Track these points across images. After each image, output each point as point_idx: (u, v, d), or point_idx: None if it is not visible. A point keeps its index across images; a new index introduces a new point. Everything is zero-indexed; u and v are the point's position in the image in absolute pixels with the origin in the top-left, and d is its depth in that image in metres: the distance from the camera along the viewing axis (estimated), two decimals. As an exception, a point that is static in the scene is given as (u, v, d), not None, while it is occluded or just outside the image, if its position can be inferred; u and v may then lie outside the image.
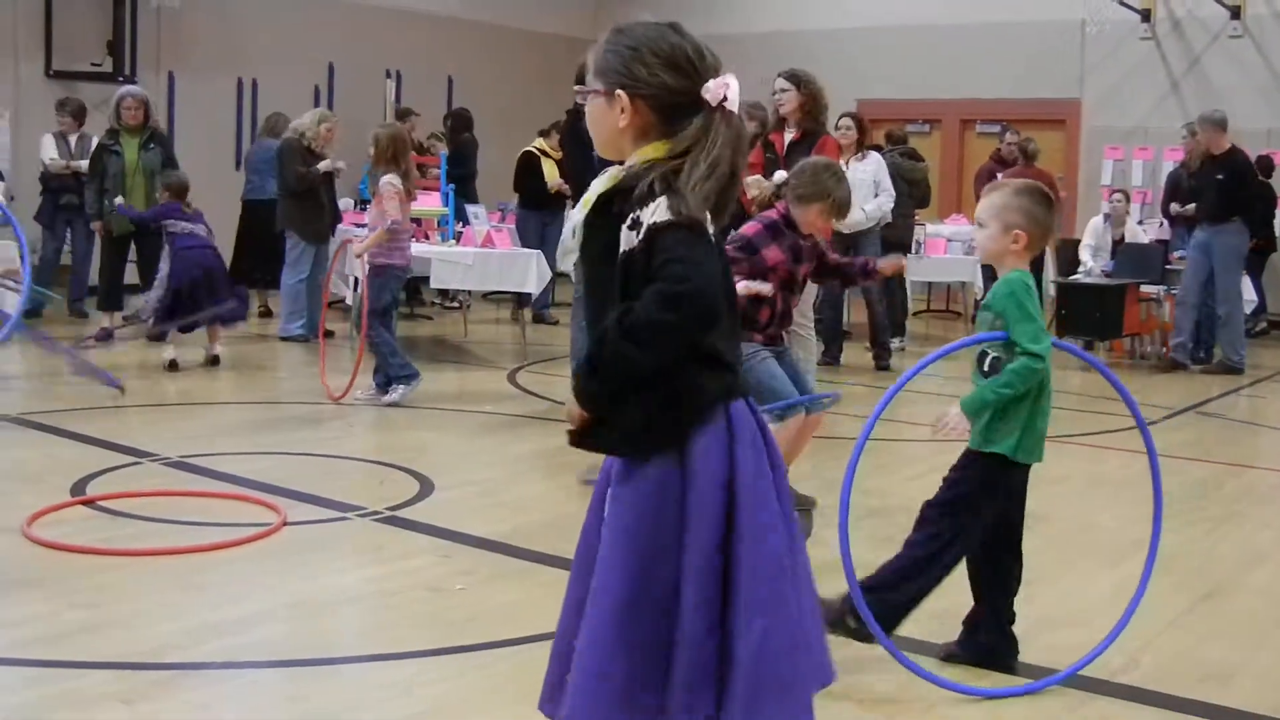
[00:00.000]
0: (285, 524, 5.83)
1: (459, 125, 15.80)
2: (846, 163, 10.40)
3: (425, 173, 14.44)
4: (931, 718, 4.11)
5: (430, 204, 12.83)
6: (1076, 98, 17.13)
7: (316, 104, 16.22)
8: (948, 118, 17.98)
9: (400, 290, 9.10)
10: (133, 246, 11.50)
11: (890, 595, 4.34)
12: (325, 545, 5.69)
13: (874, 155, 11.36)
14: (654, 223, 2.60)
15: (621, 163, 2.78)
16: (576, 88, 2.89)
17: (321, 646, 4.48)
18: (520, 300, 13.04)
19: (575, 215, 2.79)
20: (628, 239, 2.63)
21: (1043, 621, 4.90)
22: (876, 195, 11.09)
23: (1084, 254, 13.42)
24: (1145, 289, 12.57)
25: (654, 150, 2.72)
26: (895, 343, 12.28)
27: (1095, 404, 9.89)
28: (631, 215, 2.63)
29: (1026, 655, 4.49)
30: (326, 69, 16.98)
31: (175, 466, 6.96)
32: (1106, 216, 13.61)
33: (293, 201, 11.72)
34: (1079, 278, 12.96)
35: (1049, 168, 14.53)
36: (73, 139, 12.75)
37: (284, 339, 11.94)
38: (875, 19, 17.93)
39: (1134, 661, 4.53)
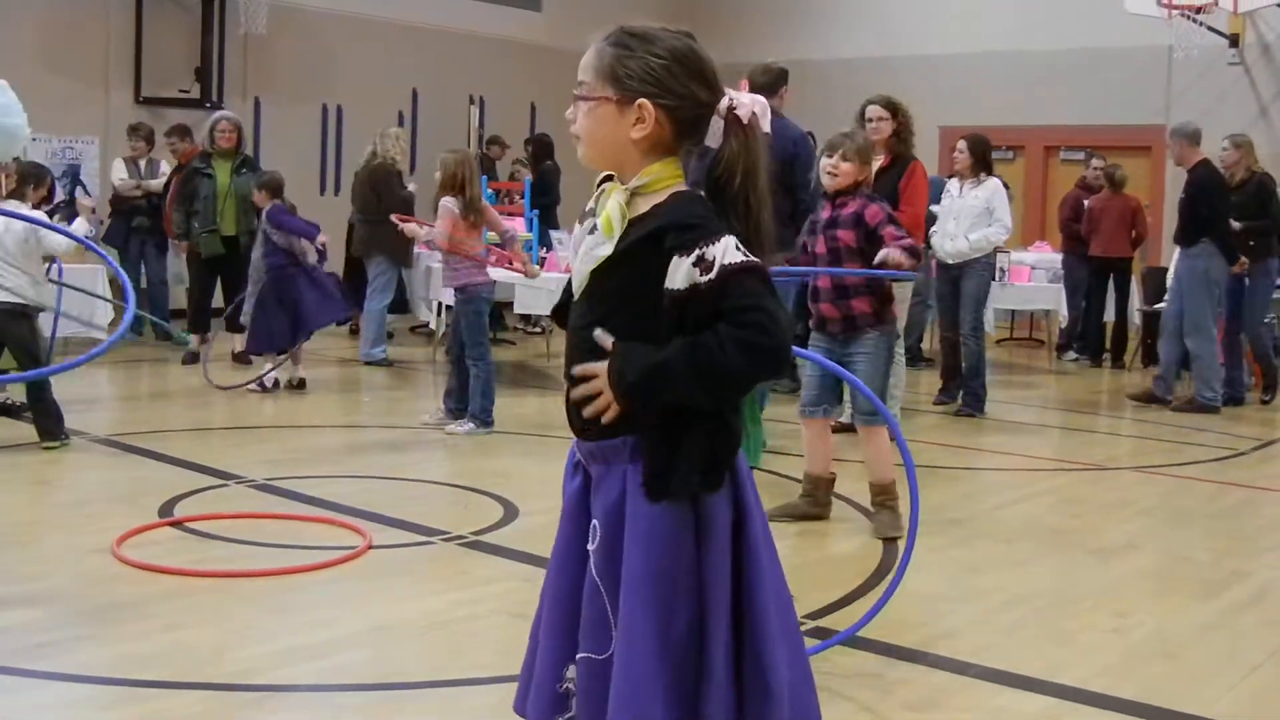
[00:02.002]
0: (370, 547, 5.85)
1: (541, 152, 15.85)
2: (960, 189, 10.31)
3: (511, 199, 14.53)
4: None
5: (515, 228, 12.86)
6: (1163, 124, 16.93)
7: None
8: (1031, 144, 17.84)
9: (488, 312, 9.09)
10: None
11: None
12: (410, 569, 5.71)
13: (992, 182, 10.36)
14: (728, 264, 2.51)
15: (610, 176, 2.73)
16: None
17: (406, 671, 4.48)
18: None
19: (597, 237, 2.68)
20: (690, 275, 2.52)
21: (1134, 654, 4.83)
22: (990, 225, 10.12)
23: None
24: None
25: (666, 169, 2.66)
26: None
27: (1182, 434, 9.77)
28: (697, 251, 2.53)
29: (1118, 689, 4.43)
30: (411, 95, 17.12)
31: (261, 489, 7.01)
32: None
33: (380, 227, 11.75)
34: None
35: (1135, 194, 14.38)
36: (142, 163, 12.94)
37: (367, 363, 12.01)
38: (960, 45, 17.84)
39: (1215, 699, 4.45)
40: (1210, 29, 15.81)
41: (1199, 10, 15.44)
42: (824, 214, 6.46)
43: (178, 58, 15.10)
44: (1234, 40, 16.32)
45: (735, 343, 2.51)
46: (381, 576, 5.56)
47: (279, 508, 6.61)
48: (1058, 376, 13.40)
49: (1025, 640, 4.97)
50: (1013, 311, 15.79)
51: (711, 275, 2.52)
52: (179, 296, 13.37)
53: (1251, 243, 11.24)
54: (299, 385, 10.30)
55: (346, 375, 11.66)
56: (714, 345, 2.51)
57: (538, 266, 10.75)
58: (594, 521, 2.70)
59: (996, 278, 13.28)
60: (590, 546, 2.69)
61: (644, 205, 2.65)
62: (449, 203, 8.71)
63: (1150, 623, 5.25)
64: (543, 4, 18.70)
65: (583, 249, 2.71)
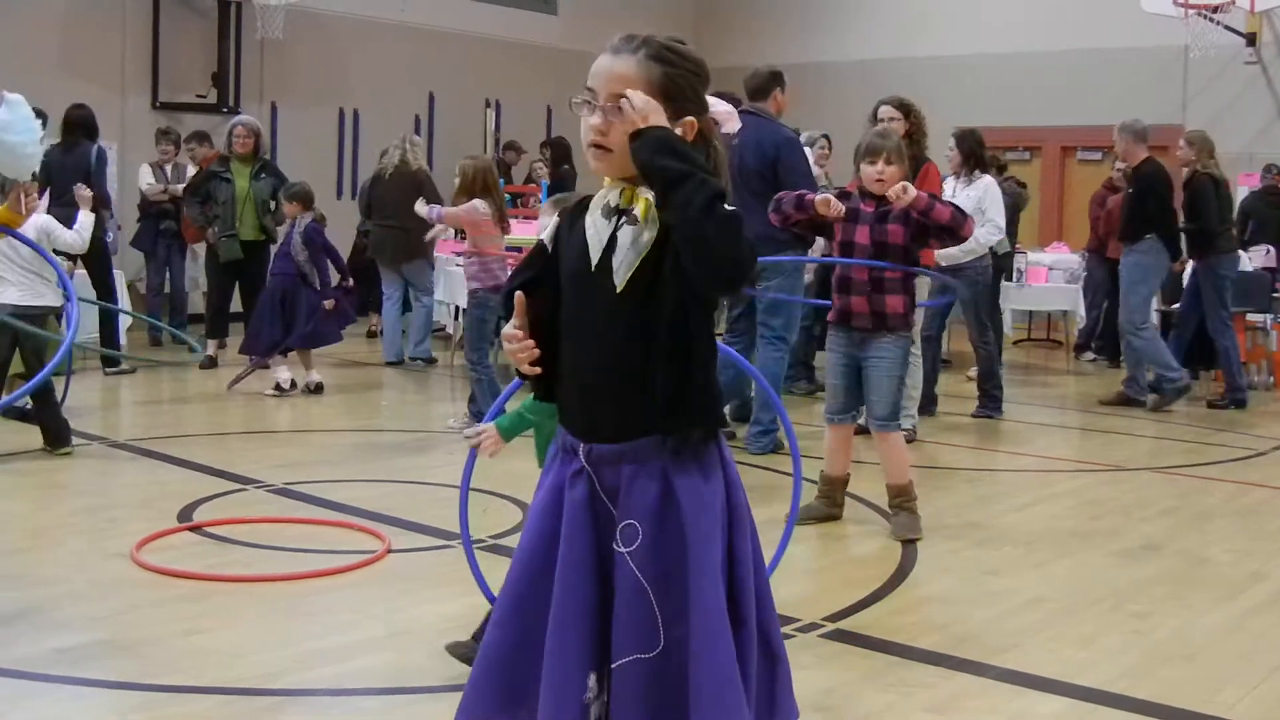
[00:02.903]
0: (389, 551, 5.86)
1: (558, 155, 15.86)
2: (953, 188, 9.73)
3: (527, 203, 14.55)
4: None
5: (531, 233, 12.88)
6: (1180, 124, 16.89)
7: (417, 134, 16.39)
8: (1048, 145, 17.80)
9: (495, 320, 9.12)
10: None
11: None
12: (429, 573, 5.71)
13: (984, 180, 9.83)
14: None
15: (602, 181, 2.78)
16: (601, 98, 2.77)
17: (424, 675, 4.48)
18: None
19: (637, 229, 2.69)
20: None
21: (1154, 655, 4.82)
22: (983, 226, 9.32)
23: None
24: (1251, 317, 12.35)
25: None
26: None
27: (1202, 435, 9.75)
28: None
29: (1138, 690, 4.42)
30: (427, 99, 17.14)
31: (280, 493, 7.02)
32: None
33: (405, 232, 11.79)
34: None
35: (1153, 195, 14.30)
36: (168, 167, 12.98)
37: (413, 359, 12.37)
38: (976, 46, 17.80)
39: (1236, 701, 4.43)
40: (1227, 28, 15.76)
41: (1215, 9, 15.39)
42: (867, 206, 6.38)
43: (194, 63, 15.14)
44: (1251, 39, 16.26)
45: (727, 221, 2.55)
46: (400, 581, 5.56)
47: (297, 512, 6.62)
48: (1076, 377, 13.36)
49: (1044, 642, 4.96)
50: (1030, 312, 15.76)
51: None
52: (197, 301, 13.43)
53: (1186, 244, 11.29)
54: (316, 389, 10.32)
55: (364, 378, 11.67)
56: (719, 206, 2.55)
57: None
58: (626, 524, 2.70)
59: (1014, 279, 13.28)
60: (625, 549, 2.69)
61: (648, 197, 2.70)
62: (479, 204, 8.75)
63: (1170, 624, 5.23)
64: (558, 7, 18.72)
65: (624, 240, 2.70)
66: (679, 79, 2.71)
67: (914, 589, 5.65)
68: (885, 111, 8.32)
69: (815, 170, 10.51)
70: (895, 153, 6.34)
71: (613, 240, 2.71)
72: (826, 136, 12.10)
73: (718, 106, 2.79)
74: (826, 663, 4.62)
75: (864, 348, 6.40)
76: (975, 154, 9.91)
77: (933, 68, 17.43)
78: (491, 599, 4.15)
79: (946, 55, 17.82)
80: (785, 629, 4.83)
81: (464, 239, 11.20)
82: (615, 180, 2.75)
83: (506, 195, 12.88)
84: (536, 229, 12.54)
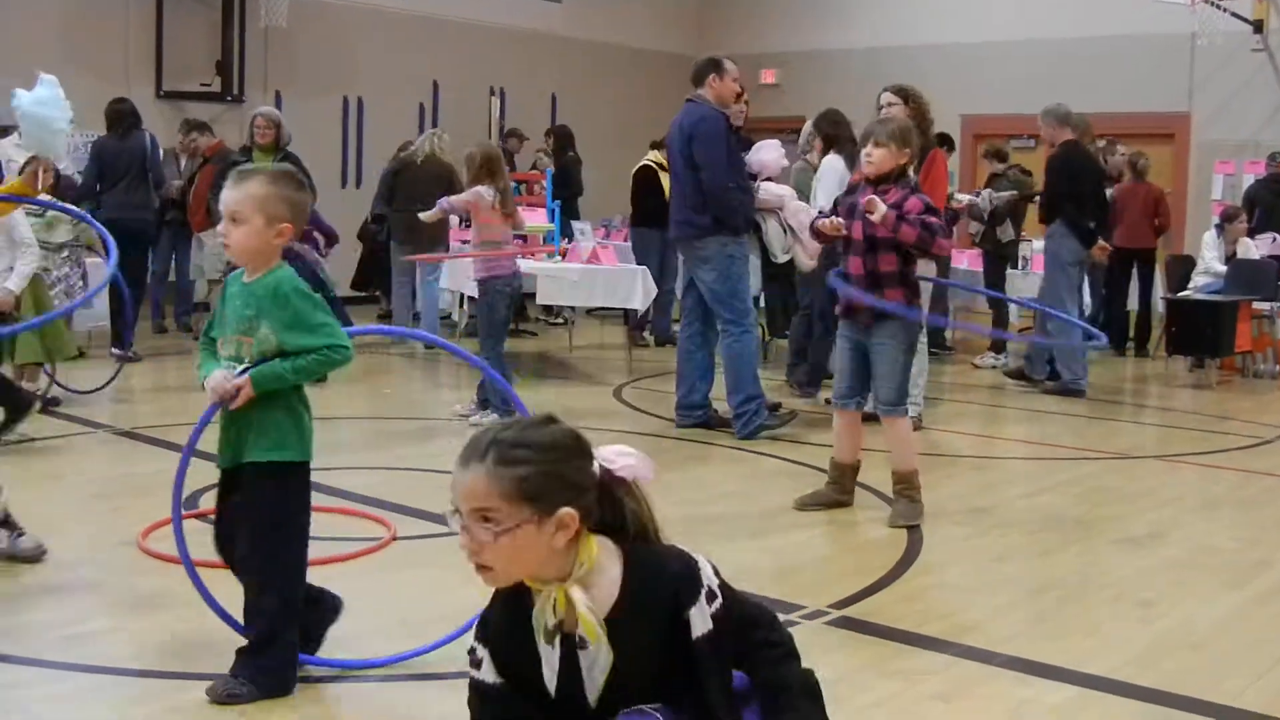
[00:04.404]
0: (395, 539, 5.86)
1: (562, 144, 15.86)
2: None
3: (532, 190, 14.55)
4: None
5: (535, 221, 12.90)
6: (1186, 111, 16.89)
7: (421, 122, 16.41)
8: (1054, 132, 17.77)
9: (511, 308, 9.11)
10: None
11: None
12: (435, 560, 5.69)
13: (828, 159, 9.67)
14: (714, 613, 2.66)
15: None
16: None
17: (431, 663, 4.49)
18: (626, 317, 13.10)
19: (590, 655, 2.60)
20: (699, 625, 2.63)
21: (1160, 643, 4.82)
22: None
23: (1214, 265, 13.03)
24: (1257, 305, 12.34)
25: (590, 542, 2.63)
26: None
27: (1207, 423, 9.74)
28: (702, 600, 2.65)
29: (1144, 678, 4.41)
30: (431, 87, 17.13)
31: (285, 481, 7.00)
32: (1219, 228, 13.27)
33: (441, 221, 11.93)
34: (1189, 294, 12.73)
35: (1158, 183, 14.30)
36: (184, 159, 13.00)
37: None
38: (981, 33, 17.79)
39: (1242, 689, 4.42)
40: (1234, 15, 15.74)
41: (1222, -4, 15.38)
42: (862, 200, 6.39)
43: (198, 52, 15.14)
44: (1258, 26, 16.26)
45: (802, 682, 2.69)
46: (407, 568, 5.56)
47: (303, 499, 6.61)
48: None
49: (1050, 630, 4.96)
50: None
51: (718, 603, 2.61)
52: (202, 290, 13.43)
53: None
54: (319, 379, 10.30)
55: (368, 365, 11.67)
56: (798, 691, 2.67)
57: (559, 256, 10.77)
58: None
59: (1019, 266, 13.27)
60: None
61: (594, 582, 2.60)
62: (483, 190, 8.74)
63: (1176, 612, 5.23)
64: (562, -5, 18.73)
65: (585, 665, 2.60)
66: (536, 477, 2.52)
67: (920, 576, 5.65)
68: (885, 98, 8.36)
69: (818, 159, 10.48)
70: (887, 135, 6.35)
71: (566, 664, 2.61)
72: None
73: (612, 458, 2.68)
74: (832, 650, 4.62)
75: (869, 334, 6.42)
76: (830, 135, 9.89)
77: (938, 55, 17.43)
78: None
79: (952, 43, 17.81)
80: (791, 616, 4.84)
81: (469, 227, 11.24)
82: (535, 585, 2.61)
83: (514, 183, 12.93)
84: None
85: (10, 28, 13.37)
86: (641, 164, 13.49)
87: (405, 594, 5.21)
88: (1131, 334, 13.98)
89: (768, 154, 9.32)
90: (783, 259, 9.50)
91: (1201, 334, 11.90)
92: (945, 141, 11.54)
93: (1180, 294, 12.91)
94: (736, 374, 8.45)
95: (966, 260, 13.51)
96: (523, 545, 2.52)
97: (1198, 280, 13.05)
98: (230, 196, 4.00)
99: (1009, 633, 4.88)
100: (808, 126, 10.82)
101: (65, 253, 9.97)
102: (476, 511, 2.53)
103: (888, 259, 6.32)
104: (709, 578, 2.62)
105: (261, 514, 4.09)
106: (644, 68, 18.56)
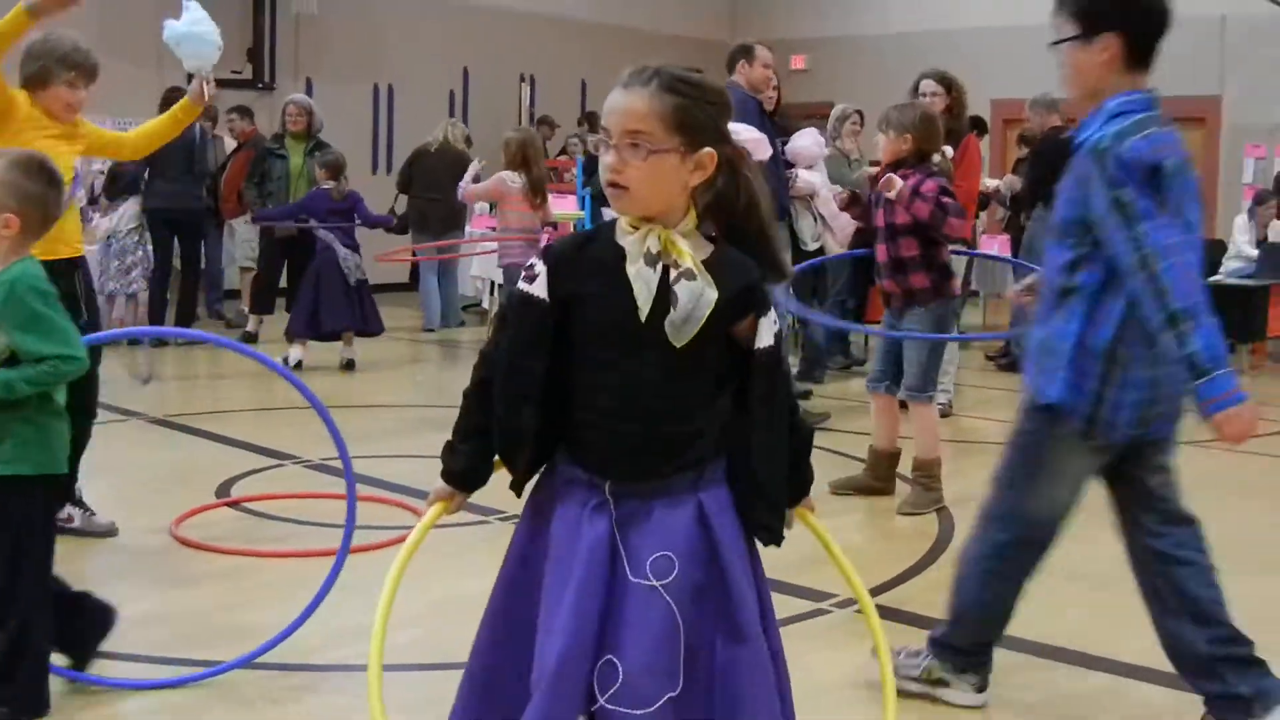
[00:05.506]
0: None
1: (594, 130, 15.86)
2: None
3: (562, 177, 14.55)
4: None
5: (567, 208, 12.89)
6: (1217, 95, 16.76)
7: (451, 109, 16.43)
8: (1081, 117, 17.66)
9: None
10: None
11: None
12: (466, 548, 5.70)
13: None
14: (777, 332, 2.68)
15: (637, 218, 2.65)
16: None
17: (462, 650, 4.48)
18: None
19: (697, 288, 2.58)
20: (767, 336, 2.65)
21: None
22: None
23: (1245, 248, 12.94)
24: (1284, 289, 12.26)
25: (693, 211, 2.67)
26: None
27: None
28: (773, 315, 2.66)
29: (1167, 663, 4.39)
30: (462, 74, 17.14)
31: (317, 469, 7.04)
32: (1251, 212, 13.18)
33: (446, 204, 12.27)
34: (1220, 278, 12.65)
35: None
36: (227, 141, 13.13)
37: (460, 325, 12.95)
38: (1010, 18, 17.66)
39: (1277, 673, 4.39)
40: (1265, -3, 15.61)
41: (1254, -22, 15.26)
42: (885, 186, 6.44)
43: (230, 38, 14.95)
44: (1289, 9, 16.11)
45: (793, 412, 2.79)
46: (437, 556, 5.54)
47: (334, 488, 6.61)
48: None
49: (1082, 616, 4.95)
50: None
51: (778, 328, 2.69)
52: (233, 277, 13.48)
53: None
54: (347, 366, 10.33)
55: (398, 353, 11.69)
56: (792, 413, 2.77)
57: None
58: (658, 557, 2.64)
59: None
60: (659, 583, 2.62)
61: (689, 247, 2.62)
62: (507, 175, 8.73)
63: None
64: (593, -19, 18.71)
65: (685, 297, 2.57)
66: (694, 110, 2.60)
67: (951, 564, 5.61)
68: (927, 85, 8.29)
69: (848, 145, 10.52)
70: (888, 124, 6.46)
71: (663, 292, 2.59)
72: (859, 112, 12.02)
73: (746, 134, 2.72)
74: (864, 637, 4.60)
75: (900, 319, 6.46)
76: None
77: (969, 40, 17.33)
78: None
79: (984, 26, 17.70)
80: (822, 604, 4.83)
81: (495, 213, 11.26)
82: (635, 219, 2.64)
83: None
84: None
85: (47, 18, 13.40)
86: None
87: (437, 581, 5.19)
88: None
89: (805, 141, 9.31)
90: (812, 246, 9.49)
91: (1232, 318, 11.75)
92: (978, 124, 11.50)
93: (1211, 279, 12.81)
94: None
95: (996, 246, 13.45)
96: (664, 171, 2.59)
97: (1229, 264, 12.96)
98: None
99: (1042, 619, 4.85)
100: (836, 111, 10.80)
101: (136, 236, 10.19)
102: (630, 133, 2.59)
103: (908, 244, 6.36)
104: (773, 321, 2.68)
105: (1, 530, 3.74)
106: (675, 54, 18.25)
